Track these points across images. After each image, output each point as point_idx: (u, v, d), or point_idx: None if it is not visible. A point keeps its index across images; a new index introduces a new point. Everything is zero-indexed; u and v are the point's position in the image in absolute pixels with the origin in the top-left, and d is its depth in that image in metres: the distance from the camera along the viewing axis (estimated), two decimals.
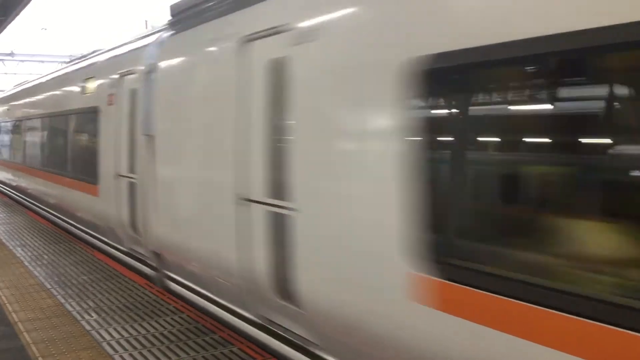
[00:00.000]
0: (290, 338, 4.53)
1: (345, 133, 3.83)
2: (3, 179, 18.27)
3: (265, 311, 4.83)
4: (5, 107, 18.12)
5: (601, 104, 2.66)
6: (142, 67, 7.02)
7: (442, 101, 3.31)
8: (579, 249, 2.69)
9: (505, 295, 2.76)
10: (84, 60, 10.89)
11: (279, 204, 4.48)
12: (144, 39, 7.77)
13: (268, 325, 4.81)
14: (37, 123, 13.25)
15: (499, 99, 3.10)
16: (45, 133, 12.42)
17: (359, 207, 3.66)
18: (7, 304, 6.12)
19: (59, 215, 11.52)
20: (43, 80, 13.67)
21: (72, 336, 5.20)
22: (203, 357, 4.75)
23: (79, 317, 5.70)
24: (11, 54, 32.44)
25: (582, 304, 2.47)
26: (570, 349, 2.50)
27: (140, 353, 4.82)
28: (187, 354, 4.81)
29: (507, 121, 3.06)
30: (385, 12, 3.53)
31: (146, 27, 21.56)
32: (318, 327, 4.13)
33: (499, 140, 3.17)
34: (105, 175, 8.40)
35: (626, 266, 2.46)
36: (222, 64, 5.25)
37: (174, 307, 6.04)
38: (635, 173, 2.45)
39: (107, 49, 9.81)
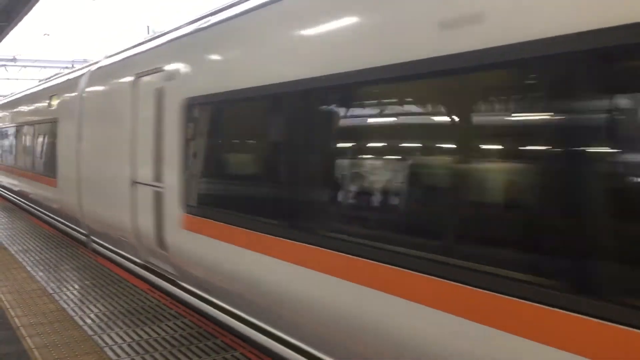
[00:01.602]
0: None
1: None
2: None
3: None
4: None
5: None
6: None
7: None
8: None
9: None
10: None
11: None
12: None
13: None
14: None
15: None
16: None
17: None
18: (10, 309, 6.12)
19: None
20: None
21: (75, 341, 5.20)
22: None
23: (81, 322, 5.69)
24: (13, 60, 32.55)
25: None
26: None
27: (143, 358, 4.82)
28: (190, 358, 4.80)
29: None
30: None
31: (148, 33, 21.61)
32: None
33: None
34: None
35: None
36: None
37: (175, 312, 6.04)
38: None
39: None
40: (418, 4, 3.44)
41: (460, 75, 3.21)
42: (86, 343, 5.15)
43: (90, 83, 9.36)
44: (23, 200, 14.85)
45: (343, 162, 4.14)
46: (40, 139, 12.45)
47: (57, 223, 11.71)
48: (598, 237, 2.59)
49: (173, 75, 6.29)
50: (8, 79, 34.26)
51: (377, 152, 3.91)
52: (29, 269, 7.97)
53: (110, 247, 8.57)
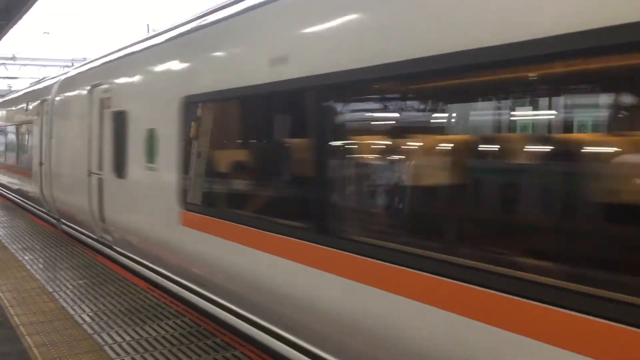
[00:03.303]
0: None
1: None
2: None
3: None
4: None
5: None
6: None
7: None
8: None
9: None
10: None
11: None
12: None
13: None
14: None
15: None
16: None
17: None
18: (9, 307, 6.11)
19: None
20: None
21: (74, 339, 5.19)
22: None
23: (80, 321, 5.69)
24: (13, 58, 32.53)
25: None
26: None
27: (142, 357, 4.82)
28: (189, 357, 4.80)
29: None
30: None
31: (148, 31, 21.60)
32: None
33: None
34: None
35: None
36: None
37: (175, 310, 6.04)
38: None
39: None
40: None
41: None
42: (86, 342, 5.15)
43: None
44: None
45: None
46: None
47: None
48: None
49: None
50: (8, 77, 34.24)
51: None
52: (28, 267, 7.96)
53: None
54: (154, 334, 5.35)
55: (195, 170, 6.08)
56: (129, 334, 5.33)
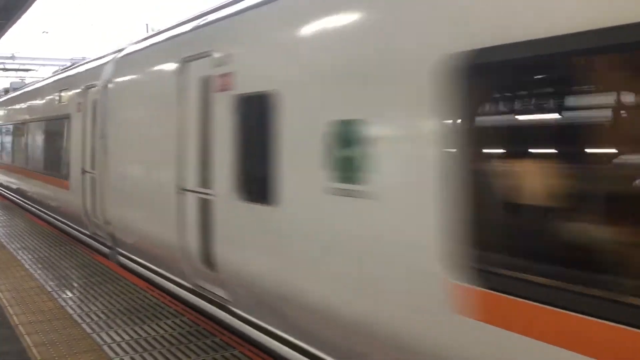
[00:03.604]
0: None
1: None
2: None
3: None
4: None
5: None
6: None
7: None
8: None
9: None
10: None
11: None
12: None
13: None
14: None
15: None
16: None
17: None
18: (8, 307, 6.12)
19: None
20: None
21: (73, 339, 5.20)
22: None
23: (79, 320, 5.70)
24: (12, 57, 32.49)
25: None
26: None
27: (141, 356, 4.83)
28: (188, 357, 4.81)
29: None
30: None
31: (147, 31, 21.60)
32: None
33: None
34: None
35: None
36: None
37: (174, 310, 6.05)
38: None
39: None
40: None
41: None
42: (85, 341, 5.15)
43: None
44: None
45: None
46: None
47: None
48: None
49: None
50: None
51: None
52: (27, 266, 7.97)
53: None
54: (153, 333, 5.36)
55: (514, 204, 3.07)
56: (128, 334, 5.34)
